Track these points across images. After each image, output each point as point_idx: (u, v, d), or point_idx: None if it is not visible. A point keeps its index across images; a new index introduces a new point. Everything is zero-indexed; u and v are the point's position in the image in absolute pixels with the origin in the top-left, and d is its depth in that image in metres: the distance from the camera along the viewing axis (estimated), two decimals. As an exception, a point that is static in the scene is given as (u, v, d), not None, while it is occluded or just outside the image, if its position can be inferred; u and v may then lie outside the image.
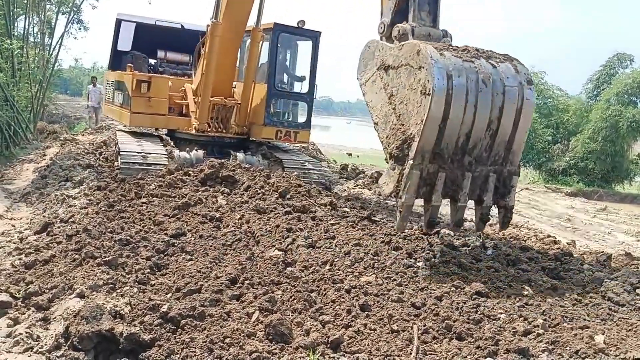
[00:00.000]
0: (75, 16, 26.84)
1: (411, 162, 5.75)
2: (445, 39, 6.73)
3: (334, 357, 4.19)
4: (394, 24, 6.78)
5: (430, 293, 5.34)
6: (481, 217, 6.39)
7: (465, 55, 5.94)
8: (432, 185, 5.93)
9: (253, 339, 4.38)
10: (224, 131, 12.66)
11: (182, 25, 15.72)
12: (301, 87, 13.56)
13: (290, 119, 13.41)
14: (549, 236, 8.99)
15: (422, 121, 5.67)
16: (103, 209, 8.04)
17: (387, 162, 6.34)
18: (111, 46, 15.82)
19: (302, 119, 13.44)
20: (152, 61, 15.30)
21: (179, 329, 4.57)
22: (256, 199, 8.62)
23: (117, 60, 15.46)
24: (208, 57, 11.57)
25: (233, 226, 7.39)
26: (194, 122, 12.19)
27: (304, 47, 13.45)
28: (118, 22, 15.47)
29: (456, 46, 6.21)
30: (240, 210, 8.12)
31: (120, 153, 11.12)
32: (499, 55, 6.27)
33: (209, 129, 12.39)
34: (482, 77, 5.81)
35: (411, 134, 5.86)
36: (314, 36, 13.00)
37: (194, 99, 12.53)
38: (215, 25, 11.32)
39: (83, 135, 21.28)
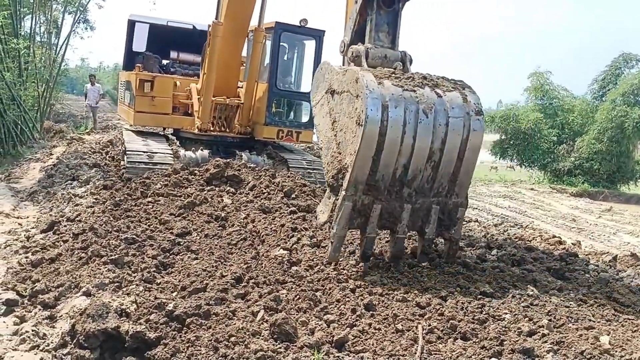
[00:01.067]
0: (82, 16, 26.95)
1: (343, 193, 5.59)
2: (396, 62, 6.39)
3: (338, 357, 4.19)
4: (352, 44, 6.61)
5: (435, 293, 5.34)
6: (422, 248, 6.19)
7: (408, 84, 5.73)
8: (367, 217, 5.73)
9: (258, 338, 4.39)
10: (227, 131, 12.68)
11: (193, 26, 15.79)
12: (302, 87, 13.58)
13: (293, 119, 13.38)
14: (554, 236, 8.97)
15: (354, 152, 5.48)
16: (109, 207, 8.07)
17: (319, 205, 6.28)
18: (125, 47, 15.90)
19: (304, 118, 13.41)
20: (165, 62, 15.38)
21: (185, 328, 4.59)
22: (261, 199, 8.65)
23: (132, 60, 15.54)
24: (210, 57, 11.61)
25: (238, 225, 7.41)
26: (197, 122, 12.23)
27: (309, 47, 13.42)
28: (132, 23, 15.55)
29: (402, 73, 6.00)
30: (245, 210, 8.14)
31: (127, 152, 11.16)
32: (448, 84, 6.03)
33: (212, 129, 12.41)
34: (423, 107, 5.59)
35: (345, 164, 5.69)
36: (318, 35, 12.94)
37: (198, 98, 12.57)
38: (216, 26, 11.34)
39: (89, 134, 21.36)
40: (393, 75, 5.84)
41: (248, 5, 11.50)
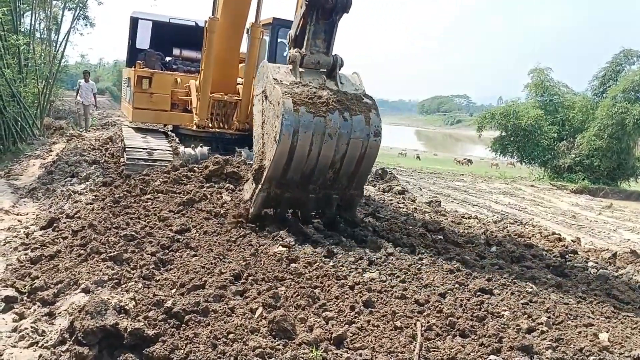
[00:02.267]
0: (82, 12, 26.94)
1: (260, 186, 6.87)
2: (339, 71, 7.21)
3: (337, 354, 4.19)
4: (295, 43, 7.37)
5: (434, 290, 5.34)
6: (324, 223, 7.34)
7: (320, 110, 6.67)
8: (279, 202, 7.08)
9: (256, 335, 4.39)
10: (225, 127, 12.68)
11: (196, 23, 15.75)
12: None
13: None
14: (553, 233, 8.97)
15: (271, 159, 6.67)
16: (109, 204, 8.07)
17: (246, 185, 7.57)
18: (128, 44, 15.88)
19: None
20: (168, 59, 15.38)
21: (183, 325, 4.59)
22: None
23: (135, 58, 15.45)
24: (207, 53, 11.58)
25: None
26: (195, 118, 12.21)
27: None
28: (134, 21, 15.52)
29: (320, 97, 6.80)
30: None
31: (126, 149, 11.15)
32: (358, 106, 6.96)
33: (210, 125, 12.41)
34: (329, 131, 6.66)
35: (264, 164, 6.89)
36: None
37: (197, 95, 12.57)
38: (213, 22, 11.30)
39: (89, 131, 21.36)
40: (310, 102, 6.72)
41: (244, 0, 11.47)
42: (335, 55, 7.19)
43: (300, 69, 7.03)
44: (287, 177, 6.83)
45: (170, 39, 15.44)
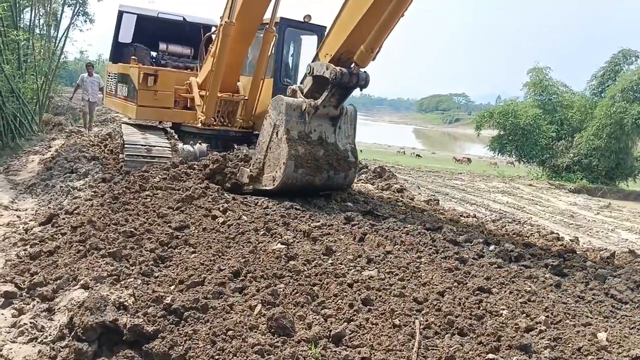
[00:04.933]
0: (81, 8, 26.91)
1: (252, 188, 8.99)
2: (344, 116, 9.02)
3: (335, 351, 4.20)
4: (315, 80, 8.66)
5: (433, 288, 5.35)
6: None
7: (313, 170, 8.55)
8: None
9: (255, 332, 4.40)
10: (229, 125, 12.69)
11: (184, 18, 15.66)
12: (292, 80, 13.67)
13: None
14: (552, 233, 8.98)
15: (266, 186, 8.73)
16: (107, 201, 8.07)
17: (247, 169, 9.09)
18: (113, 38, 15.69)
19: None
20: (153, 53, 15.27)
21: (182, 321, 4.60)
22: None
23: (119, 52, 15.37)
24: (219, 56, 11.52)
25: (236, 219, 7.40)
26: (200, 116, 12.19)
27: (309, 41, 13.51)
28: (120, 14, 15.33)
29: (316, 159, 8.57)
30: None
31: (125, 145, 11.14)
32: (342, 168, 8.90)
33: (214, 123, 12.42)
34: (315, 182, 8.70)
35: (275, 176, 8.56)
36: (320, 31, 13.11)
37: (199, 92, 12.54)
38: (228, 26, 11.25)
39: (90, 129, 21.30)
40: (307, 164, 8.48)
41: (262, 6, 11.49)
42: (342, 106, 8.86)
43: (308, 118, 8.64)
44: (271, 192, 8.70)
45: (156, 34, 15.26)
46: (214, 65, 11.76)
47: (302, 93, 8.84)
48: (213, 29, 15.97)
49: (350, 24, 8.24)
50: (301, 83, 9.06)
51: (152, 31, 15.25)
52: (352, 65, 8.33)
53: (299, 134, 8.56)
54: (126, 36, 15.47)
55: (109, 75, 15.84)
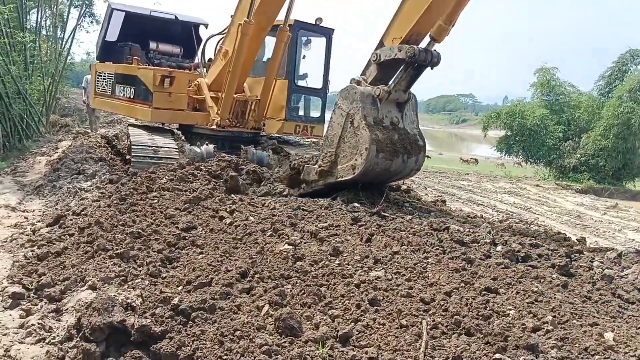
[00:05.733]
0: (88, 9, 27.00)
1: (322, 182, 9.06)
2: (409, 102, 9.28)
3: (343, 351, 4.21)
4: (380, 65, 8.92)
5: (440, 288, 5.34)
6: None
7: (391, 155, 8.66)
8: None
9: (263, 332, 4.41)
10: (239, 126, 12.70)
11: (175, 16, 15.45)
12: (313, 83, 13.78)
13: (308, 114, 13.67)
14: (559, 233, 8.96)
15: (342, 177, 8.80)
16: (115, 202, 8.10)
17: (315, 165, 9.17)
18: (101, 36, 15.32)
19: (316, 113, 13.72)
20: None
21: (190, 322, 4.61)
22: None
23: (107, 50, 15.04)
24: (237, 56, 11.53)
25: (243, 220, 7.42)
26: (215, 118, 12.15)
27: (318, 43, 13.65)
28: (111, 11, 14.90)
29: (393, 143, 8.73)
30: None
31: (132, 147, 11.17)
32: (414, 151, 9.07)
33: (229, 125, 12.41)
34: (391, 169, 8.85)
35: (334, 172, 8.85)
36: (328, 33, 13.35)
37: (212, 94, 12.51)
38: (247, 25, 11.28)
39: (95, 130, 21.37)
40: (387, 148, 8.59)
41: (279, 4, 11.58)
42: (409, 93, 9.11)
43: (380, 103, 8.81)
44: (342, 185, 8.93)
45: (145, 32, 14.99)
46: (229, 66, 11.74)
47: (366, 83, 9.01)
48: (202, 27, 15.93)
49: (425, 2, 8.41)
50: (362, 74, 9.20)
51: (140, 29, 14.94)
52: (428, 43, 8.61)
53: (374, 120, 8.70)
54: (113, 34, 15.11)
55: (100, 75, 15.16)
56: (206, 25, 16.04)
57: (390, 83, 8.82)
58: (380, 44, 9.15)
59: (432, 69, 8.92)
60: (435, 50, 8.68)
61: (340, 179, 8.79)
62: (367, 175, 8.62)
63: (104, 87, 14.76)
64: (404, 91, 8.97)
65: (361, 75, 9.23)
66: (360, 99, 8.63)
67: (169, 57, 15.15)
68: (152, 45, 15.16)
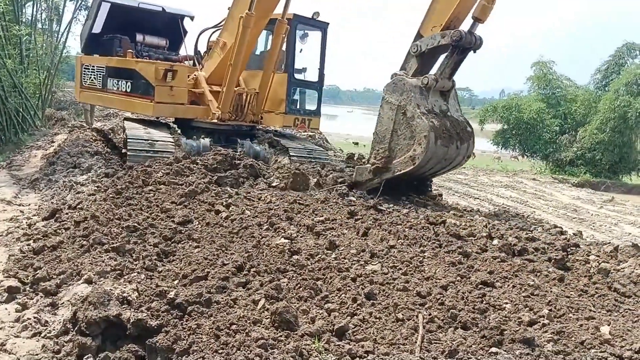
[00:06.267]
0: (83, 2, 26.82)
1: (379, 178, 9.22)
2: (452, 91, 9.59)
3: (339, 345, 4.20)
4: (421, 56, 9.22)
5: (436, 282, 5.35)
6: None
7: (447, 141, 8.84)
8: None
9: (259, 326, 4.41)
10: (239, 119, 12.66)
11: (163, 8, 15.22)
12: (310, 76, 13.80)
13: (306, 107, 13.72)
14: (555, 227, 8.97)
15: (399, 171, 8.98)
16: (111, 195, 8.07)
17: (368, 162, 9.45)
18: (88, 28, 14.92)
19: (313, 106, 13.77)
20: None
21: (186, 316, 4.60)
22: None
23: (93, 43, 14.75)
24: (239, 49, 11.49)
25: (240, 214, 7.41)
26: (216, 111, 12.08)
27: (313, 37, 13.69)
28: (99, 3, 14.52)
29: (447, 130, 8.93)
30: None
31: (128, 140, 11.13)
32: (465, 137, 9.33)
33: (230, 118, 12.37)
34: (446, 157, 9.05)
35: (391, 167, 9.01)
36: (323, 27, 13.42)
37: (210, 88, 12.47)
38: (249, 17, 11.23)
39: (91, 124, 21.27)
40: (442, 135, 8.74)
41: None
42: (453, 80, 9.38)
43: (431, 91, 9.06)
44: (400, 179, 9.17)
45: (131, 24, 14.68)
46: (230, 59, 11.70)
47: (407, 77, 9.17)
48: (187, 19, 15.78)
49: None
50: (401, 69, 9.35)
51: (126, 21, 14.62)
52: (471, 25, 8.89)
53: (426, 109, 8.85)
54: (98, 26, 14.72)
55: (87, 68, 14.69)
56: (192, 17, 15.87)
57: (436, 71, 9.06)
58: (418, 36, 9.27)
59: (474, 52, 9.08)
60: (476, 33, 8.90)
61: (398, 172, 8.88)
62: (425, 165, 8.76)
63: (92, 80, 14.39)
64: (448, 79, 9.20)
65: (400, 70, 9.34)
66: (411, 89, 8.80)
67: (156, 49, 14.95)
68: (139, 37, 14.90)
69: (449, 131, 8.94)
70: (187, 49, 15.04)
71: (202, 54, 13.69)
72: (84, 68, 14.79)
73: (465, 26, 9.14)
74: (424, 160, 8.62)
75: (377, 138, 9.19)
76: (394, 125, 8.89)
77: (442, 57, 9.32)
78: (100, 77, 13.98)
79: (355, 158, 14.21)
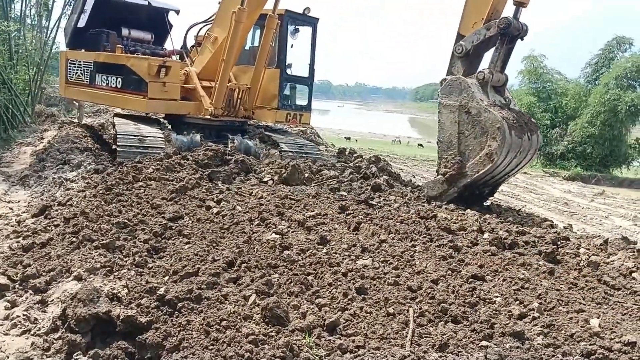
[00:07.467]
0: (72, -2, 26.65)
1: (455, 188, 8.77)
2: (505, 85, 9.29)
3: (330, 340, 4.21)
4: (468, 55, 8.94)
5: (427, 276, 5.36)
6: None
7: (519, 132, 8.43)
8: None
9: (249, 322, 4.40)
10: (232, 115, 12.62)
11: (149, 2, 15.04)
12: (300, 71, 13.81)
13: (297, 103, 13.76)
14: (546, 220, 9.00)
15: (477, 172, 8.48)
16: (101, 192, 8.03)
17: (438, 174, 8.93)
18: (72, 22, 14.63)
19: (304, 101, 13.82)
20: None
21: (176, 312, 4.59)
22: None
23: (79, 37, 14.45)
24: (231, 44, 11.46)
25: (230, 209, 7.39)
26: (209, 107, 12.02)
27: (304, 32, 13.72)
28: None
29: (516, 120, 8.56)
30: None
31: (118, 136, 11.08)
32: (532, 128, 8.92)
33: (223, 113, 12.32)
34: (521, 149, 8.56)
35: (466, 172, 8.57)
36: (313, 22, 13.46)
37: (203, 83, 12.43)
38: (242, 12, 11.22)
39: (81, 120, 21.17)
40: (514, 125, 8.39)
41: None
42: (506, 74, 9.12)
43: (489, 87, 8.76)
44: (478, 183, 8.76)
45: (116, 18, 14.45)
46: (223, 54, 11.66)
47: None
48: (172, 13, 15.67)
49: None
50: (448, 74, 9.10)
51: (111, 15, 14.37)
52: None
53: (488, 103, 8.56)
54: (83, 20, 14.38)
55: (72, 63, 14.35)
56: (177, 12, 15.72)
57: (491, 66, 8.85)
58: (459, 37, 9.09)
59: (522, 40, 8.95)
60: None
61: (475, 175, 8.47)
62: (502, 162, 8.37)
63: (78, 75, 14.10)
64: (501, 72, 8.98)
65: (447, 75, 9.10)
66: (470, 86, 8.55)
67: (142, 44, 14.77)
68: (125, 31, 14.68)
69: (517, 121, 8.60)
70: (172, 43, 14.97)
71: (189, 49, 13.63)
72: (69, 63, 14.48)
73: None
74: (502, 155, 8.21)
75: (442, 146, 8.85)
76: (459, 127, 8.57)
77: (487, 56, 9.18)
78: (87, 72, 13.74)
79: (346, 153, 14.23)
